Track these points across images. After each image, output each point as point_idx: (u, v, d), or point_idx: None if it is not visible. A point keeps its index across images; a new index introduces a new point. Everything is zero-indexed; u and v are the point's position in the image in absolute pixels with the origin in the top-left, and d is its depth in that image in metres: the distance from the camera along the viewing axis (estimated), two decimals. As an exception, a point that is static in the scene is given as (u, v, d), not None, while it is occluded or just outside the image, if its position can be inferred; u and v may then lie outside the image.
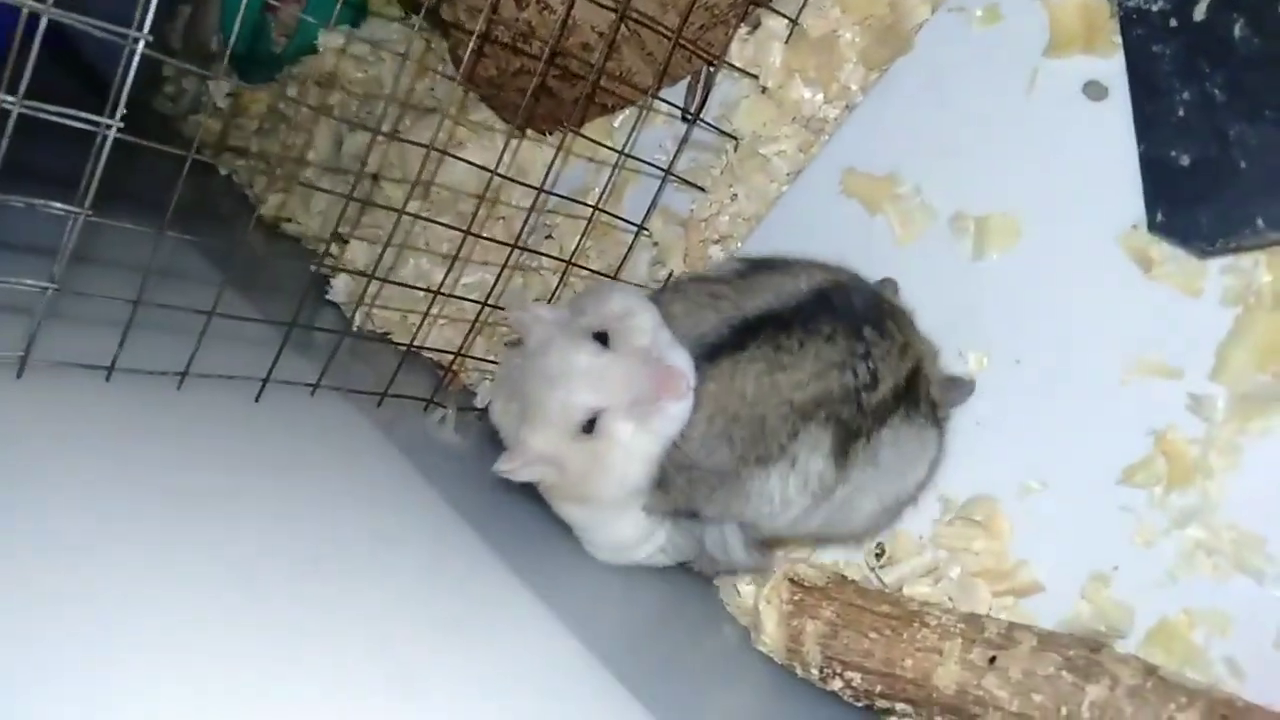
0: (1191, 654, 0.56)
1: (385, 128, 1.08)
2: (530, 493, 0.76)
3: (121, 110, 0.55)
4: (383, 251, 0.73)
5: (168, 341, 0.65)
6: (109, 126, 0.55)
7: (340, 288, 1.00)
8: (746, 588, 0.72)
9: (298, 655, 0.45)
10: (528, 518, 0.73)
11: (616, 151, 0.78)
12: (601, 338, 0.61)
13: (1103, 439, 0.61)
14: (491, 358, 0.93)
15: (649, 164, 0.83)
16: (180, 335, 0.66)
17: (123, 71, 0.54)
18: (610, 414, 0.59)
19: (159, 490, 0.52)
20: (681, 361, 0.59)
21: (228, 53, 0.72)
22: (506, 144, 0.72)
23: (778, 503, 0.61)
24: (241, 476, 0.59)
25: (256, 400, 0.69)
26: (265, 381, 0.69)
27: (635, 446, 0.60)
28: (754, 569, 0.68)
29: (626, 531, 0.67)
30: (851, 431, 0.59)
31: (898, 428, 0.60)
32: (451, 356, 0.82)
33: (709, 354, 0.60)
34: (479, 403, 0.91)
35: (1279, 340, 0.55)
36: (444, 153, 0.71)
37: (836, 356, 0.58)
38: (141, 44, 0.54)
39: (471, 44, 0.65)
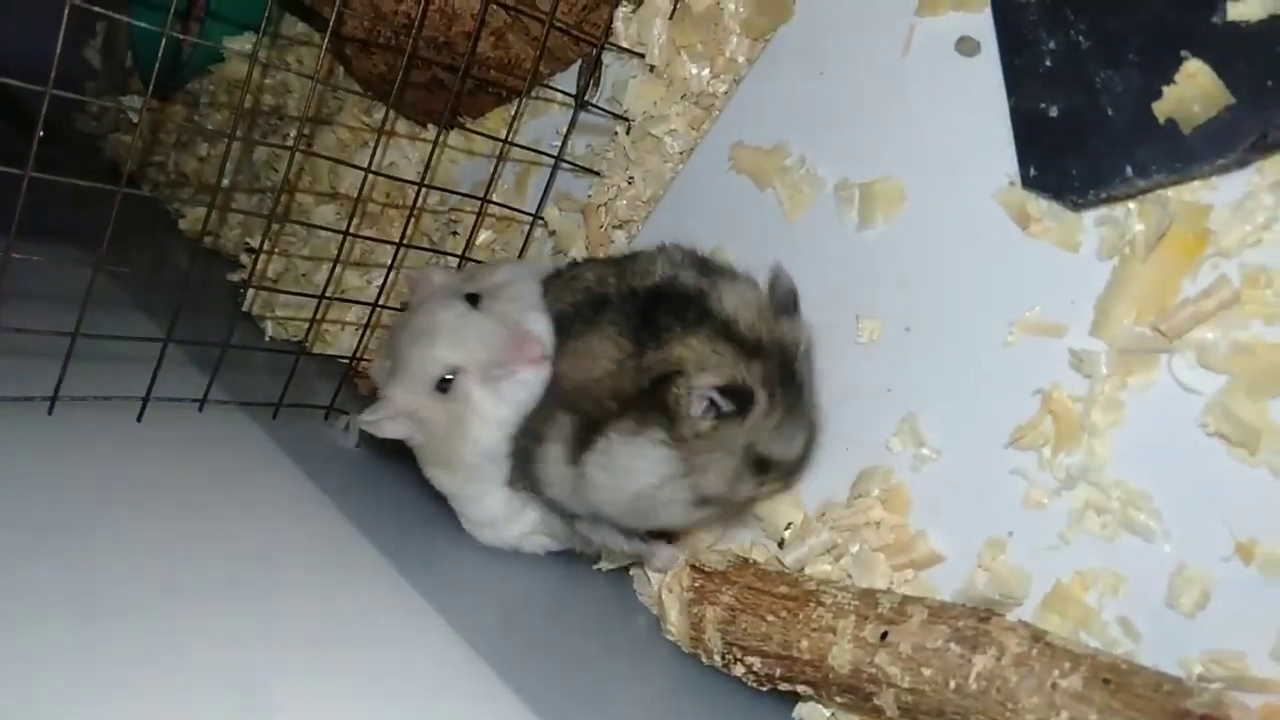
0: (1086, 616, 0.55)
1: (290, 137, 1.06)
2: (433, 496, 0.74)
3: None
4: (256, 258, 0.71)
5: (94, 370, 0.65)
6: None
7: (251, 298, 0.99)
8: (656, 575, 0.71)
9: (130, 683, 0.43)
10: (427, 522, 0.71)
11: (501, 141, 0.76)
12: (475, 299, 0.62)
13: (991, 402, 0.59)
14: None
15: (539, 152, 0.81)
16: (109, 362, 0.65)
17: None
18: (466, 375, 0.60)
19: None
20: (539, 328, 0.59)
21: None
22: (378, 141, 0.70)
23: (543, 483, 0.61)
24: (104, 501, 0.57)
25: (138, 420, 0.68)
26: (145, 400, 0.67)
27: (486, 410, 0.60)
28: (631, 554, 0.67)
29: (494, 506, 0.66)
30: (590, 425, 0.57)
31: (617, 438, 0.57)
32: (349, 360, 0.80)
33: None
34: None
35: (1153, 291, 0.54)
36: (307, 152, 0.69)
37: (608, 350, 0.57)
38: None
39: (325, 41, 0.63)
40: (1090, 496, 0.56)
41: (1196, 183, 0.53)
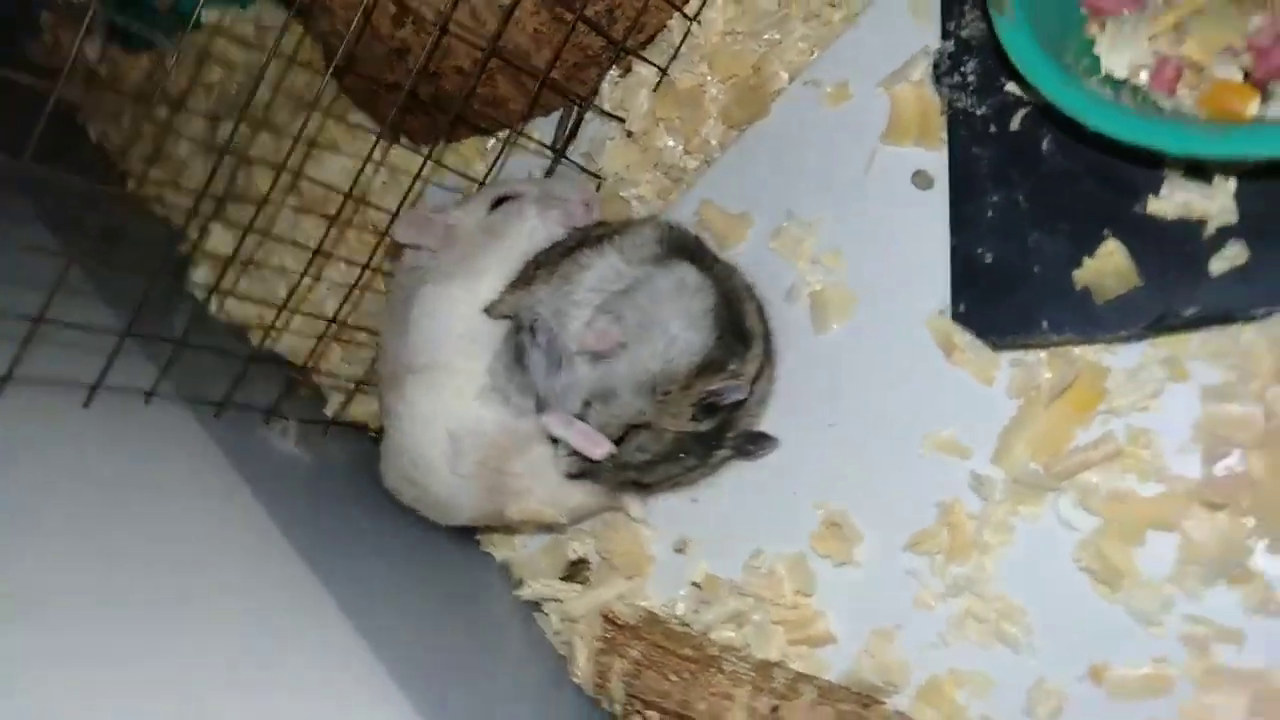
0: (955, 712, 0.62)
1: (259, 113, 1.07)
2: (363, 508, 0.77)
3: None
4: (225, 265, 0.72)
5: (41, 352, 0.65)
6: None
7: (199, 277, 0.99)
8: (563, 621, 0.75)
9: (58, 687, 0.46)
10: (355, 537, 0.74)
11: (476, 181, 0.79)
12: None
13: (897, 506, 0.65)
14: (346, 367, 0.94)
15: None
16: (56, 346, 0.66)
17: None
18: (524, 200, 0.73)
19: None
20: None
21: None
22: (370, 153, 0.73)
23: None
24: (48, 491, 0.59)
25: (85, 406, 0.69)
26: (95, 388, 0.68)
27: (531, 228, 0.72)
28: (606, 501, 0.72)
29: (454, 394, 0.70)
30: None
31: None
32: (298, 367, 0.82)
33: None
34: (328, 411, 0.92)
35: (1050, 434, 0.60)
36: (302, 176, 0.71)
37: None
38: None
39: (334, 63, 0.66)
40: (972, 605, 0.62)
41: (1100, 346, 0.60)
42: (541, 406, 0.65)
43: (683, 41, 0.80)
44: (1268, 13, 0.52)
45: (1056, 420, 0.60)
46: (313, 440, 0.83)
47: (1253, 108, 0.52)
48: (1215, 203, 0.54)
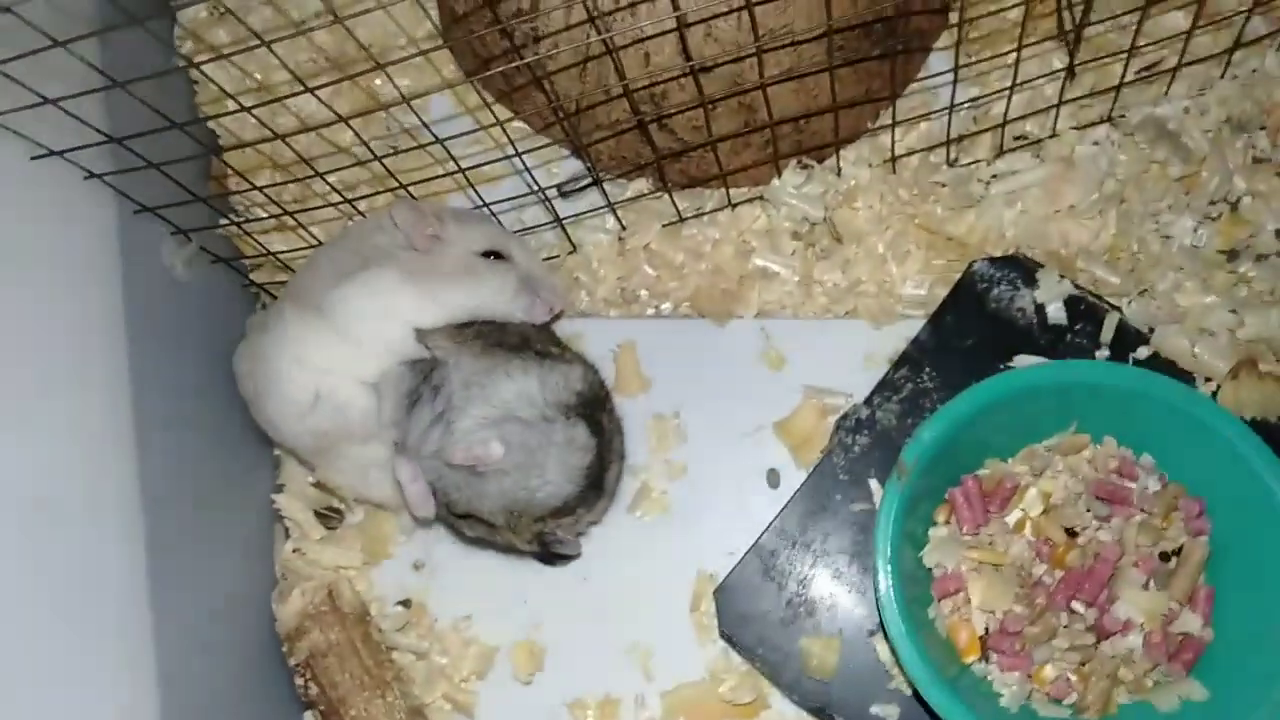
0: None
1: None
2: (201, 354, 0.82)
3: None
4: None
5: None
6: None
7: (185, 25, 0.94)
8: (291, 553, 0.85)
9: None
10: (181, 365, 0.79)
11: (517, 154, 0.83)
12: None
13: (583, 672, 0.81)
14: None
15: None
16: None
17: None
18: (514, 268, 0.78)
19: None
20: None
21: None
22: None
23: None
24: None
25: (32, 158, 0.69)
26: (54, 153, 0.69)
27: (495, 294, 0.77)
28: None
29: (353, 356, 0.76)
30: None
31: None
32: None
33: None
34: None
35: (706, 717, 0.78)
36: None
37: None
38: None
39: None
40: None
41: (781, 691, 0.77)
42: (401, 448, 0.74)
43: (709, 212, 0.88)
44: (1028, 611, 0.69)
45: (717, 712, 0.78)
46: (199, 268, 0.85)
47: (971, 658, 0.69)
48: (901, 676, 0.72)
